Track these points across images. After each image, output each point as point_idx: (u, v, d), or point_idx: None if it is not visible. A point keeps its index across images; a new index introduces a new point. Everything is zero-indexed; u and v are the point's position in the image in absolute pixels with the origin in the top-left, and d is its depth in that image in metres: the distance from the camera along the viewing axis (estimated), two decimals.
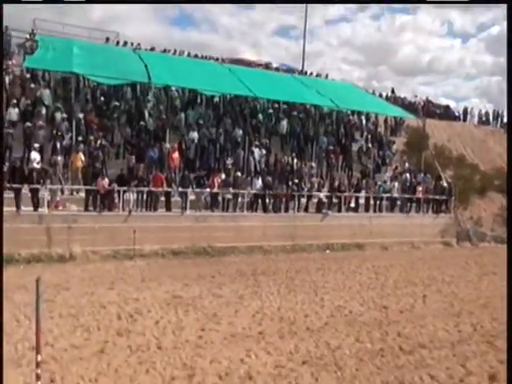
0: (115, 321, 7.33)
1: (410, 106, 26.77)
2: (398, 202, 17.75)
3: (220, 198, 14.67)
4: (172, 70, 17.43)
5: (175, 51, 22.95)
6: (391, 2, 20.74)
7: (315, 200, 16.03)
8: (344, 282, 10.64)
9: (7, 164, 12.42)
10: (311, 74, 26.47)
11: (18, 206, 11.82)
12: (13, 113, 14.51)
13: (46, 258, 11.02)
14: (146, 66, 16.59)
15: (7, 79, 16.18)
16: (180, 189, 14.08)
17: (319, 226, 15.42)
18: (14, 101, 14.85)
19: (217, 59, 24.13)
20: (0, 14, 6.17)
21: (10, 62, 17.06)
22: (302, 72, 27.07)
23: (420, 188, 17.88)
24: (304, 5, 32.08)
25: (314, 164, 17.71)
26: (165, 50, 22.85)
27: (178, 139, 16.29)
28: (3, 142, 12.35)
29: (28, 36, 18.81)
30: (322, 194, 16.20)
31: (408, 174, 18.88)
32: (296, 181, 15.81)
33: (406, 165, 20.24)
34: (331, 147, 18.60)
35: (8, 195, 11.73)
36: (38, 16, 21.62)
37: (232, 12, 71.13)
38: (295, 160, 17.21)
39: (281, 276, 10.93)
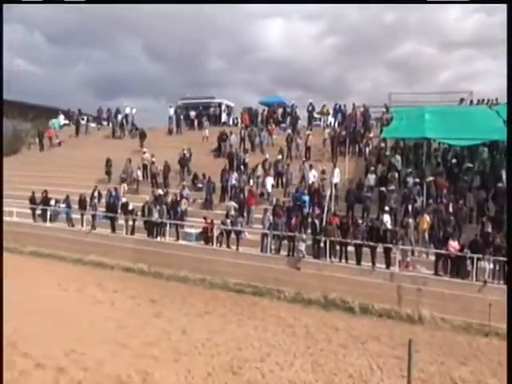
0: None
1: None
2: None
3: None
4: None
5: None
6: (392, 1, 19.95)
7: None
8: None
9: (364, 223, 13.99)
10: None
11: (373, 263, 13.03)
12: (371, 178, 16.48)
13: (395, 315, 11.34)
14: (504, 121, 15.23)
15: (367, 150, 18.71)
16: None
17: None
18: (372, 168, 16.86)
19: None
20: (0, 14, 6.62)
21: (370, 135, 19.64)
22: None
23: None
24: None
25: None
26: None
27: None
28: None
29: (384, 110, 21.20)
30: None
31: None
32: None
33: None
34: None
35: (366, 251, 13.21)
36: (392, 90, 24.26)
37: None
38: None
39: None
